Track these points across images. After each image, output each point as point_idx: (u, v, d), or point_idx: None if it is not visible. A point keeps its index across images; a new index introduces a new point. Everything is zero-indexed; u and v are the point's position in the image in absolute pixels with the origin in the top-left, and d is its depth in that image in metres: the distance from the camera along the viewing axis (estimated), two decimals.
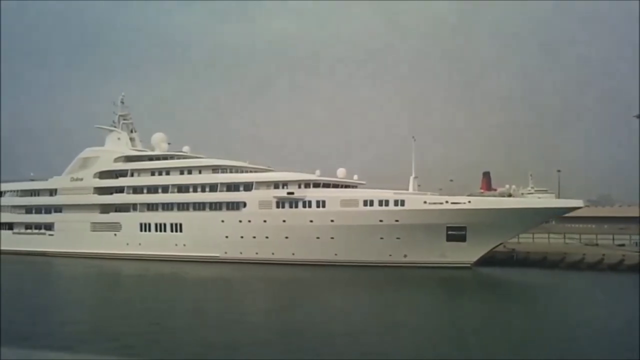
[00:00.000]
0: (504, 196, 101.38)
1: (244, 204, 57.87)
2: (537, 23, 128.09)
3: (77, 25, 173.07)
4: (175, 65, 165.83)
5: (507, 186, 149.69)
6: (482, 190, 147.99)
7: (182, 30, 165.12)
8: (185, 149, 68.15)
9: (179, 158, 65.82)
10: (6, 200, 75.98)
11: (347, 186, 58.88)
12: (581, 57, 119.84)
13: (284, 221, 55.56)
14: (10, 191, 76.47)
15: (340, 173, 59.36)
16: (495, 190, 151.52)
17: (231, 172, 61.71)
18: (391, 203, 52.03)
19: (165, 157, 66.26)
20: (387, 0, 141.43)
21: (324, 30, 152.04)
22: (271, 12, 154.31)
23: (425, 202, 51.28)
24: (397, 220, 51.47)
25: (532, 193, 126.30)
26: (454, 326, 28.51)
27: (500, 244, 52.06)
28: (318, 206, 54.54)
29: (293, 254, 54.81)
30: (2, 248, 71.60)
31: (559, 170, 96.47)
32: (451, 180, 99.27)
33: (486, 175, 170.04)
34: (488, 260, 51.80)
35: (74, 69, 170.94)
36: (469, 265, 50.93)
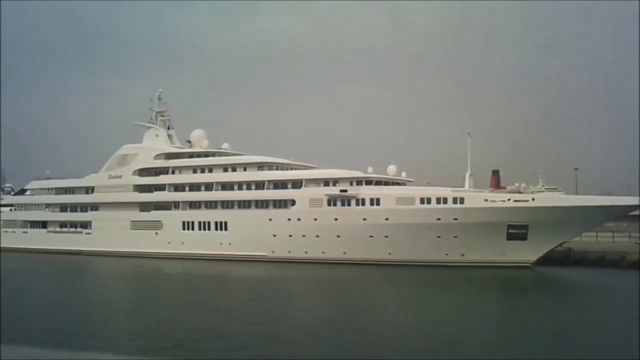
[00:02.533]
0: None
1: (293, 202, 56.64)
2: (541, 22, 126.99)
3: (81, 25, 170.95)
4: (185, 64, 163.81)
5: (517, 184, 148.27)
6: (491, 189, 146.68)
7: (189, 29, 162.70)
8: (225, 145, 66.94)
9: (220, 155, 64.68)
10: (38, 198, 74.81)
11: (396, 183, 57.69)
12: (584, 58, 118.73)
13: (335, 219, 54.32)
14: (42, 189, 75.27)
15: (391, 170, 58.10)
16: (504, 188, 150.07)
17: (277, 169, 60.54)
18: (449, 201, 50.78)
19: (206, 154, 65.10)
20: (391, 0, 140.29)
21: (328, 30, 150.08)
22: (287, 11, 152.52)
23: (486, 200, 50.06)
24: (455, 219, 50.22)
25: (542, 191, 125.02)
26: (545, 333, 26.47)
27: (563, 242, 50.79)
28: (372, 204, 53.28)
29: (344, 253, 53.59)
30: (36, 247, 70.62)
31: (576, 169, 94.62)
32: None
33: (495, 173, 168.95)
34: (544, 259, 50.46)
35: (82, 68, 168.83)
36: (528, 264, 49.71)
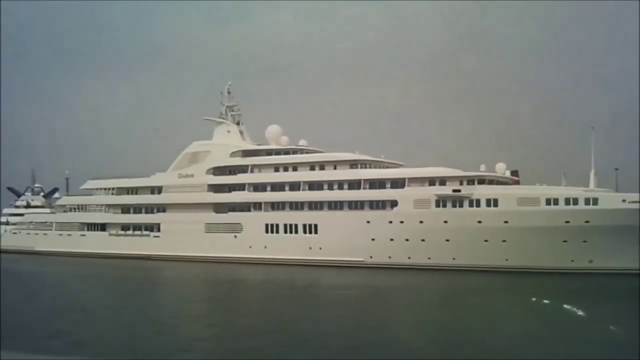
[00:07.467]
0: None
1: (394, 203, 52.02)
2: (551, 24, 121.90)
3: (77, 26, 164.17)
4: (186, 66, 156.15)
5: (537, 184, 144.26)
6: None
7: (188, 30, 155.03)
8: (303, 142, 62.27)
9: (301, 152, 60.05)
10: (98, 199, 70.10)
11: (505, 183, 53.15)
12: (593, 61, 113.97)
13: (445, 222, 49.75)
14: (100, 189, 70.57)
15: (500, 169, 53.46)
16: None
17: (370, 167, 55.95)
18: (581, 202, 46.25)
19: (286, 152, 60.38)
20: (392, 0, 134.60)
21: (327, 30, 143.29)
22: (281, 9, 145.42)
23: (624, 201, 45.48)
24: (587, 221, 45.68)
25: None
26: None
27: None
28: (489, 205, 48.70)
29: (453, 259, 49.03)
30: (96, 251, 66.18)
31: (616, 169, 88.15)
32: None
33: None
34: None
35: (87, 70, 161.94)
36: None
